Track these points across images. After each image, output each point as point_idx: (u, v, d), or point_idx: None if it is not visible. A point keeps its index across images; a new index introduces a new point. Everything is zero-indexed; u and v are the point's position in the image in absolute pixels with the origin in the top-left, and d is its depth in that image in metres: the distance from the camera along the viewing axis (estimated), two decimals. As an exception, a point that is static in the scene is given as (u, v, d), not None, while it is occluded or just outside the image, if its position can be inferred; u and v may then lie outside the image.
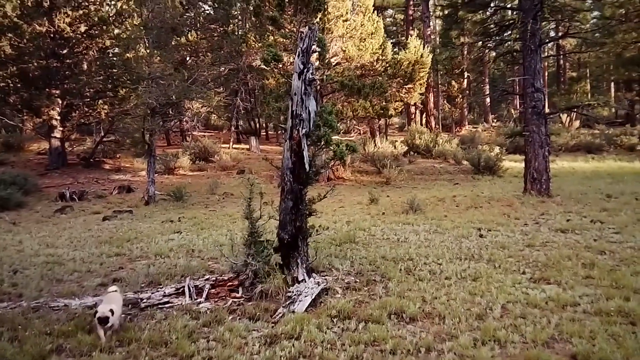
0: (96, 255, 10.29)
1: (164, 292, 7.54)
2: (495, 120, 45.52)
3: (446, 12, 39.01)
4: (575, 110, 21.78)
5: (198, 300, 7.31)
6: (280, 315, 6.62)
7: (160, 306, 7.19)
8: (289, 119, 7.74)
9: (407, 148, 28.22)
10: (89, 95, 23.82)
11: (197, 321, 6.51)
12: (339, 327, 6.22)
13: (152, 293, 7.57)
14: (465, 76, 41.24)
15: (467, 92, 44.97)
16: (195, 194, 19.75)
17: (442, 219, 12.82)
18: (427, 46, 23.19)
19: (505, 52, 18.46)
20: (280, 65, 8.31)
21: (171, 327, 6.25)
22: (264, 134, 40.09)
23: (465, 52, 40.27)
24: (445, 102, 44.47)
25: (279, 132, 41.03)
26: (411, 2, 39.32)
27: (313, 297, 7.07)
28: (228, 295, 7.46)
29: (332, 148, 8.04)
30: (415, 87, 22.01)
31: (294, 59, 7.82)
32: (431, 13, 39.97)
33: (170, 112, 19.94)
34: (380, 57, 20.59)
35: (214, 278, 7.80)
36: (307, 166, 7.65)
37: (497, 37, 16.56)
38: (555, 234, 10.73)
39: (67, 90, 23.47)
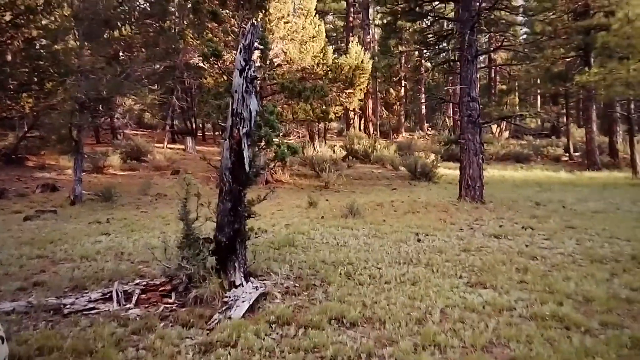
0: (16, 257, 9.56)
1: (90, 298, 7.04)
2: (430, 129, 46.65)
3: (385, 20, 39.91)
4: (508, 120, 22.62)
5: (127, 306, 6.87)
6: (215, 321, 6.30)
7: (85, 312, 6.70)
8: (229, 117, 7.45)
9: (345, 153, 28.32)
10: (12, 88, 22.32)
11: (125, 328, 6.10)
12: (277, 333, 5.99)
13: (77, 298, 7.06)
14: (403, 84, 42.01)
15: (405, 99, 45.82)
16: (126, 195, 18.90)
17: (380, 223, 12.83)
18: (367, 53, 23.28)
19: (443, 61, 18.85)
20: (221, 62, 7.96)
21: (97, 334, 5.81)
22: (201, 134, 39.19)
23: (403, 61, 41.08)
24: (383, 109, 45.09)
25: (217, 133, 40.39)
26: (351, 10, 39.66)
27: (251, 303, 6.80)
28: (160, 300, 7.05)
29: (273, 149, 7.81)
30: (356, 92, 22.06)
31: (235, 56, 7.54)
32: (371, 21, 40.51)
33: (101, 108, 18.99)
34: (322, 61, 20.51)
35: (145, 283, 7.38)
36: (247, 166, 7.38)
37: (435, 47, 16.86)
38: (489, 239, 10.95)
39: (-13, 82, 21.89)
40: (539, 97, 46.41)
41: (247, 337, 5.70)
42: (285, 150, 7.74)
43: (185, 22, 28.02)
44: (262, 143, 7.69)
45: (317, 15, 21.67)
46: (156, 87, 32.42)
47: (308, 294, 7.40)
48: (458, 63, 15.76)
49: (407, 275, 8.25)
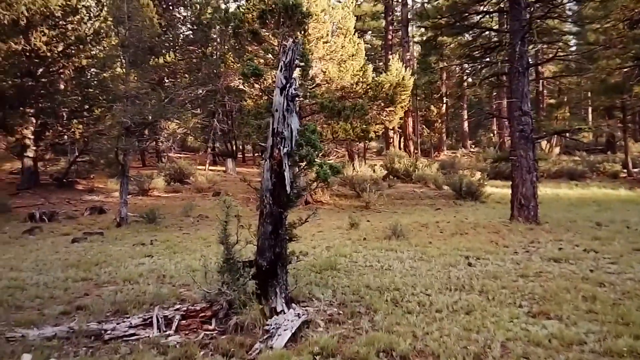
0: (61, 279, 9.59)
1: (131, 323, 6.87)
2: (473, 146, 45.61)
3: (425, 37, 39.52)
4: (563, 134, 21.62)
5: (167, 332, 6.68)
6: (256, 351, 6.02)
7: (125, 338, 6.54)
8: (269, 137, 7.25)
9: (386, 172, 27.82)
10: (63, 115, 23.11)
11: (165, 357, 5.91)
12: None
13: (118, 324, 6.90)
14: (444, 101, 41.29)
15: (446, 117, 45.02)
16: (169, 216, 19.01)
17: (426, 245, 12.33)
18: (408, 70, 22.90)
19: (490, 75, 18.22)
20: (261, 82, 7.79)
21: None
22: (241, 156, 39.48)
23: (445, 77, 40.43)
24: (424, 126, 44.41)
25: (256, 154, 40.60)
26: (390, 27, 39.43)
27: (293, 331, 6.48)
28: (200, 327, 6.83)
29: (314, 169, 7.53)
30: (397, 110, 21.70)
31: (276, 74, 7.35)
32: (410, 38, 40.13)
33: (146, 132, 19.27)
34: (361, 79, 20.26)
35: (185, 308, 7.16)
36: (288, 188, 7.12)
37: (481, 61, 16.31)
38: (549, 264, 10.26)
39: (42, 109, 22.70)
40: (590, 111, 44.78)
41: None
42: (328, 171, 7.45)
43: (226, 46, 28.31)
44: (304, 163, 7.43)
45: (356, 34, 21.48)
46: (199, 110, 32.97)
47: (353, 323, 7.03)
48: (506, 76, 15.13)
49: (459, 303, 7.72)
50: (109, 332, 6.66)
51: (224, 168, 32.46)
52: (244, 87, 19.97)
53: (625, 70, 26.64)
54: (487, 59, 16.36)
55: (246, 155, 40.57)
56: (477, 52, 16.43)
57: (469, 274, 9.57)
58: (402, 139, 38.74)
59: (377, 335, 6.41)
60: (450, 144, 45.96)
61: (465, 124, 44.45)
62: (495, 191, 23.33)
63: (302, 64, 7.40)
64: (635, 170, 30.26)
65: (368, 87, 20.41)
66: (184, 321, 6.93)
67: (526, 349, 5.97)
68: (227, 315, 6.89)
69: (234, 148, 38.23)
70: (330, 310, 7.51)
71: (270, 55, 16.63)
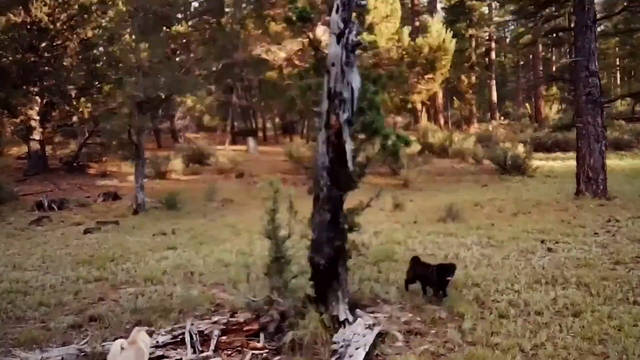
0: (71, 280, 8.14)
1: (157, 341, 5.39)
2: (502, 118, 43.46)
3: (454, 1, 37.34)
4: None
5: (204, 353, 5.21)
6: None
7: (151, 363, 5.06)
8: (323, 100, 5.65)
9: (420, 147, 26.07)
10: (70, 93, 21.55)
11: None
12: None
13: (140, 342, 5.42)
14: (475, 70, 38.99)
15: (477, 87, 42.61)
16: (191, 201, 17.51)
17: (489, 228, 10.77)
18: (449, 31, 20.92)
19: (551, 30, 16.24)
20: (309, 29, 6.18)
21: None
22: (261, 134, 37.86)
23: (474, 45, 38.24)
24: (454, 98, 42.29)
25: (278, 132, 39.01)
26: (416, -9, 37.24)
27: (367, 350, 4.97)
28: (245, 345, 5.34)
29: (382, 141, 5.92)
30: (436, 78, 19.85)
31: (328, 18, 5.72)
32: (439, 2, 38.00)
33: (160, 109, 17.76)
34: (396, 44, 18.39)
35: (225, 320, 5.65)
36: (350, 164, 5.54)
37: (536, 16, 14.41)
38: (641, 246, 8.68)
39: (47, 87, 21.22)
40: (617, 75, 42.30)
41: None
42: (398, 141, 5.85)
43: (245, 11, 26.49)
44: (369, 132, 5.84)
45: (389, -7, 19.48)
46: (214, 87, 31.37)
47: (437, 333, 5.53)
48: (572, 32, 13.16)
49: (560, 302, 6.26)
50: (129, 354, 5.16)
51: (244, 147, 30.89)
52: (267, 55, 18.40)
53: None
54: (542, 15, 14.41)
55: (267, 133, 38.91)
56: (533, 7, 14.47)
57: (554, 262, 8.10)
58: (431, 112, 36.81)
59: (475, 352, 4.96)
60: (478, 116, 43.78)
61: (494, 95, 42.20)
62: (541, 164, 21.55)
63: (364, 2, 5.74)
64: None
65: (404, 52, 18.55)
66: (224, 337, 5.45)
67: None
68: (279, 329, 5.39)
69: (255, 126, 36.63)
70: (404, 317, 5.99)
71: None
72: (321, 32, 8.22)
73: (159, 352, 5.21)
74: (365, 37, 9.53)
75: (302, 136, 36.22)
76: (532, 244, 9.24)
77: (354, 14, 5.83)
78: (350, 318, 5.53)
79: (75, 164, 23.44)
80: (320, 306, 5.53)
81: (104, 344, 5.42)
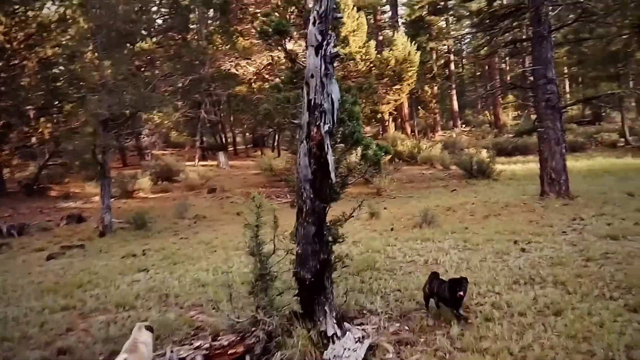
0: (36, 311, 7.62)
1: (137, 370, 5.14)
2: (463, 126, 44.31)
3: (413, 17, 38.09)
4: (593, 101, 20.18)
5: (189, 380, 5.00)
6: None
7: (132, 395, 4.84)
8: (304, 112, 5.60)
9: (390, 155, 26.34)
10: (29, 114, 20.85)
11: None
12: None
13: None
14: (437, 81, 39.88)
15: (440, 97, 43.55)
16: (161, 220, 17.04)
17: (463, 231, 10.85)
18: (414, 45, 21.17)
19: (510, 42, 16.63)
20: (285, 41, 6.09)
21: None
22: (232, 149, 37.43)
23: (435, 57, 39.02)
24: (419, 107, 42.93)
25: (249, 146, 38.69)
26: (379, 8, 37.73)
27: (359, 364, 4.89)
28: (231, 369, 5.15)
29: (360, 150, 5.89)
30: (404, 88, 20.04)
31: (307, 30, 5.66)
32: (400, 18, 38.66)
33: (126, 125, 17.29)
34: (364, 57, 18.51)
35: (207, 345, 5.43)
36: (332, 175, 5.47)
37: (493, 29, 14.74)
38: (608, 243, 9.00)
39: (3, 108, 20.41)
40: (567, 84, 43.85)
41: None
42: (379, 151, 5.82)
43: (211, 27, 26.09)
44: (350, 143, 5.79)
45: (354, 9, 19.60)
46: (182, 103, 30.92)
47: (427, 342, 5.49)
48: (526, 43, 13.52)
49: (540, 301, 6.37)
50: (108, 387, 4.95)
51: (215, 162, 30.51)
52: (236, 70, 18.19)
53: (624, 37, 25.32)
54: (500, 27, 14.76)
55: (237, 147, 38.49)
56: (489, 21, 14.82)
57: (528, 262, 8.25)
58: (396, 122, 37.23)
59: (466, 358, 4.99)
60: (442, 124, 44.61)
61: (455, 104, 43.13)
62: (503, 167, 21.98)
63: (340, 15, 5.70)
64: (630, 138, 29.61)
65: (372, 64, 18.68)
66: (208, 362, 5.24)
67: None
68: (266, 349, 5.25)
69: (224, 140, 36.20)
70: (392, 327, 5.95)
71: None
72: (290, 45, 8.12)
73: (140, 382, 4.98)
74: (341, 49, 9.51)
75: (274, 149, 36.09)
76: (506, 245, 9.35)
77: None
78: (339, 332, 5.43)
79: (35, 187, 22.61)
80: (308, 322, 5.43)
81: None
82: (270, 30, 5.75)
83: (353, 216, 6.21)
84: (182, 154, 32.99)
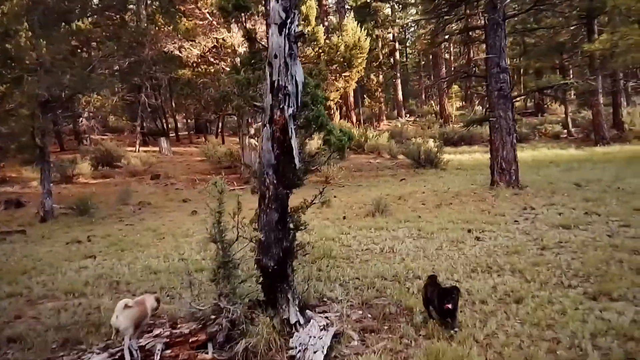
0: (-20, 299, 7.24)
1: (92, 362, 4.89)
2: (408, 115, 44.88)
3: (359, 3, 37.99)
4: (546, 91, 20.69)
5: (149, 371, 4.78)
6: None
7: (89, 386, 4.60)
8: (266, 94, 5.41)
9: (352, 141, 26.26)
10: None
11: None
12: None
13: (73, 363, 4.93)
14: (383, 70, 40.09)
15: (385, 86, 43.87)
16: (104, 206, 16.46)
17: (416, 220, 10.94)
18: (364, 30, 21.06)
19: (463, 29, 16.82)
20: (244, 19, 5.88)
21: None
22: (174, 135, 36.47)
23: (381, 45, 39.14)
24: (364, 96, 43.07)
25: (191, 132, 37.81)
26: (324, -7, 37.48)
27: (324, 352, 4.80)
28: (193, 357, 4.96)
29: (326, 136, 5.78)
30: (353, 75, 19.96)
31: (269, 6, 5.47)
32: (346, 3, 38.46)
33: (66, 108, 16.46)
34: (313, 43, 18.29)
35: (167, 332, 5.24)
36: (296, 160, 5.36)
37: (446, 17, 14.85)
38: (561, 232, 9.18)
39: None
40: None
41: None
42: (344, 137, 5.73)
43: (149, 10, 25.19)
44: (314, 127, 5.67)
45: (298, -8, 19.29)
46: (121, 86, 29.84)
47: (391, 329, 5.46)
48: (480, 30, 13.72)
49: (500, 289, 6.42)
50: (62, 377, 4.68)
51: (156, 148, 29.64)
52: (179, 52, 17.60)
53: (572, 28, 26.26)
54: (454, 13, 14.88)
55: (180, 133, 37.51)
56: (443, 7, 14.89)
57: (484, 250, 8.35)
58: (342, 110, 37.18)
59: (432, 346, 4.91)
60: (386, 114, 44.95)
61: (400, 94, 43.57)
62: (450, 157, 22.37)
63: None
64: (573, 130, 30.55)
65: (321, 50, 18.48)
66: (168, 351, 5.04)
67: (624, 345, 4.74)
68: (229, 338, 5.07)
69: (166, 126, 35.17)
70: (355, 315, 5.88)
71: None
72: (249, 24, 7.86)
73: (96, 373, 4.74)
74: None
75: (217, 136, 35.43)
76: (460, 233, 9.46)
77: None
78: (302, 320, 5.34)
79: (-33, 172, 21.31)
80: (270, 310, 5.30)
81: (29, 368, 4.85)
82: (229, 6, 5.51)
83: (315, 203, 6.08)
84: (122, 140, 31.88)
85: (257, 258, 5.41)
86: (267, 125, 5.35)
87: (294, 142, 5.32)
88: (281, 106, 5.27)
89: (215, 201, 5.08)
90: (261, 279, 5.48)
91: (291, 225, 5.68)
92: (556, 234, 8.99)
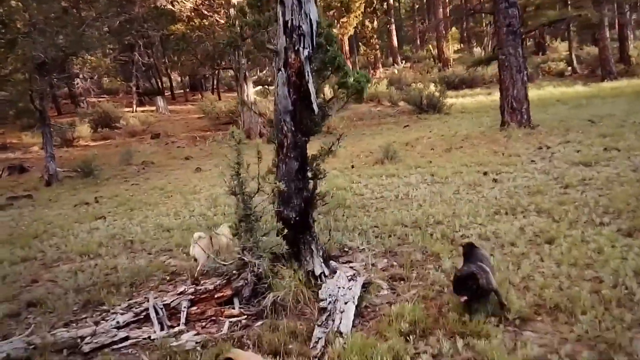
0: (-6, 264, 7.11)
1: (118, 322, 4.77)
2: (404, 61, 43.96)
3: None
4: (557, 25, 20.05)
5: (176, 328, 4.65)
6: (320, 342, 4.13)
7: (116, 347, 4.46)
8: (279, 36, 5.10)
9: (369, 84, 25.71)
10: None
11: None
12: (426, 352, 3.86)
13: (97, 325, 4.80)
14: (378, 15, 38.96)
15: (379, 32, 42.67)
16: (107, 167, 16.26)
17: (428, 165, 10.73)
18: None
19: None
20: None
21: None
22: (169, 93, 35.83)
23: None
24: (359, 43, 42.04)
25: (186, 90, 37.20)
26: None
27: (356, 303, 4.66)
28: (220, 313, 4.84)
29: (342, 78, 5.49)
30: (351, 20, 19.30)
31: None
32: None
33: (62, 70, 16.02)
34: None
35: (192, 289, 5.09)
36: (314, 105, 5.09)
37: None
38: (582, 169, 8.97)
39: None
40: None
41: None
42: (362, 79, 5.44)
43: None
44: (330, 70, 5.38)
45: None
46: (113, 46, 29.08)
47: (420, 276, 5.29)
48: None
49: (528, 230, 6.25)
50: (88, 339, 4.56)
51: (153, 108, 29.17)
52: (172, 6, 16.99)
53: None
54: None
55: (175, 92, 36.85)
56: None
57: (504, 192, 8.15)
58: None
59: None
60: (382, 61, 43.99)
61: (395, 40, 42.49)
62: (452, 101, 21.88)
63: None
64: (577, 66, 29.88)
65: (317, -7, 17.78)
66: (194, 308, 4.92)
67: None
68: (255, 292, 4.93)
69: (161, 85, 34.51)
70: (380, 264, 5.74)
71: None
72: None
73: (121, 334, 4.61)
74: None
75: (213, 92, 34.89)
76: (476, 176, 9.27)
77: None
78: (327, 271, 5.20)
79: (-33, 139, 21.00)
80: (294, 263, 5.13)
81: (53, 331, 4.72)
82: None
83: (332, 150, 5.83)
84: (118, 101, 31.34)
85: (278, 210, 5.21)
86: (282, 69, 5.06)
87: (311, 86, 5.05)
88: (296, 48, 4.98)
89: (228, 155, 4.85)
90: (284, 231, 5.28)
91: (309, 175, 5.48)
92: (577, 171, 8.77)
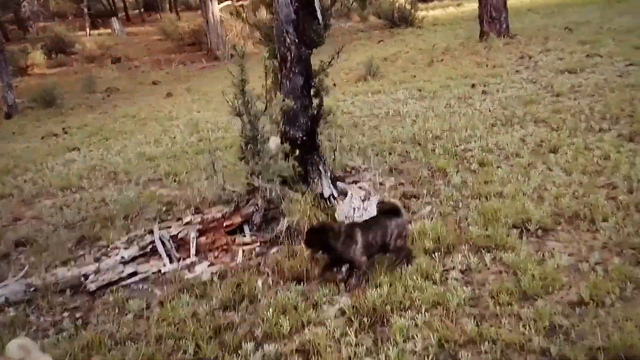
0: (-34, 204, 6.65)
1: (121, 256, 4.50)
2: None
3: None
4: None
5: (187, 260, 4.42)
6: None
7: (124, 283, 4.23)
8: None
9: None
10: None
11: (208, 302, 3.70)
12: (454, 267, 3.76)
13: (100, 261, 4.53)
14: None
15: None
16: (69, 96, 15.32)
17: (412, 80, 10.49)
18: None
19: None
20: None
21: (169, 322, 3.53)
22: (123, 14, 33.67)
23: None
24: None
25: (141, 10, 35.08)
26: None
27: (374, 222, 4.49)
28: (232, 242, 4.61)
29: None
30: None
31: None
32: None
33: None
34: None
35: (199, 219, 4.82)
36: (319, 14, 4.67)
37: None
38: (568, 77, 8.90)
39: None
40: None
41: (424, 286, 3.50)
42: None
43: None
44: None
45: None
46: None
47: (431, 192, 5.15)
48: None
49: (529, 140, 6.16)
50: (92, 277, 4.30)
51: (109, 30, 27.41)
52: None
53: None
54: None
55: (129, 13, 34.63)
56: None
57: (496, 103, 8.03)
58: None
59: (484, 204, 4.62)
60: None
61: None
62: (423, 14, 21.14)
63: None
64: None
65: None
66: (203, 238, 4.67)
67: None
68: (266, 219, 4.69)
69: (114, 6, 32.38)
70: (388, 182, 5.56)
71: None
72: None
73: (128, 269, 4.35)
74: None
75: (171, 11, 33.16)
76: (464, 89, 9.11)
77: None
78: (335, 193, 4.98)
79: None
80: (302, 186, 4.88)
81: (54, 271, 4.42)
82: None
83: (332, 63, 5.46)
84: (69, 24, 29.29)
85: (284, 129, 4.89)
86: (282, -25, 4.58)
87: (315, -7, 4.61)
88: (298, -50, 4.49)
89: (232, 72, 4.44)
90: (291, 151, 5.00)
91: (312, 92, 5.13)
92: (564, 79, 8.68)
